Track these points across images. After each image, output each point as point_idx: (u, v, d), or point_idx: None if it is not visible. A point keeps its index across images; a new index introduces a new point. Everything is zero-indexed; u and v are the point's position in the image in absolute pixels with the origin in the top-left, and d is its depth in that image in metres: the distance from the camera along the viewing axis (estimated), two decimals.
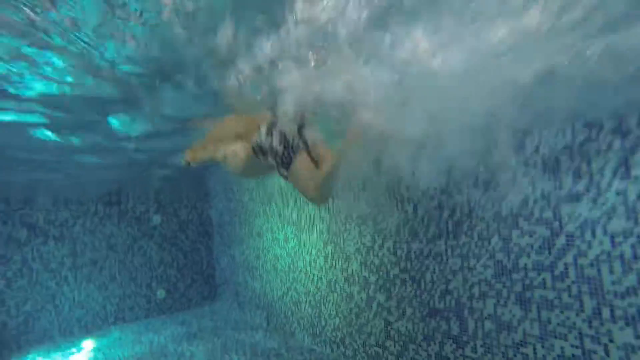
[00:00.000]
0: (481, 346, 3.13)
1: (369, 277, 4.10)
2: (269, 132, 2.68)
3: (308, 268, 4.93)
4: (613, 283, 2.45)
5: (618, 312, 2.43)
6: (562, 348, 2.67)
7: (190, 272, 7.32)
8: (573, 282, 2.62)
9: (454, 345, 3.33)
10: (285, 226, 5.32)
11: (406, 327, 3.73)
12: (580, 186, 2.57)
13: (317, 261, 4.78)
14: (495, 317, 3.04)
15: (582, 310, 2.57)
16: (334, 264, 4.54)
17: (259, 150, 2.65)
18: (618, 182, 2.42)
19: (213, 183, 7.31)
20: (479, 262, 3.15)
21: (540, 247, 2.77)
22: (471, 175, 3.16)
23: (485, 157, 3.05)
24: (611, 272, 2.45)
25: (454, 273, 3.32)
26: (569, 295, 2.63)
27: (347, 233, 4.34)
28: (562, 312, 2.67)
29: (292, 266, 5.22)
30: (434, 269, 3.47)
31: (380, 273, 3.97)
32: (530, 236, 2.82)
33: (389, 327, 3.91)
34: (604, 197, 2.47)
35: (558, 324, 2.69)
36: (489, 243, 3.07)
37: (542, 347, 2.76)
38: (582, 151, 2.56)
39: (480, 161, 3.10)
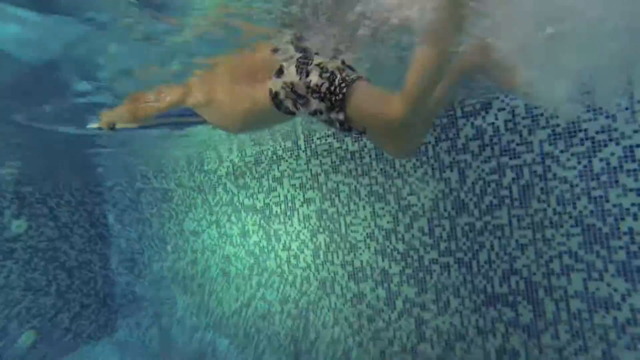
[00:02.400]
0: (566, 332, 2.62)
1: (390, 267, 3.27)
2: (301, 69, 1.76)
3: (285, 268, 3.84)
4: None
5: None
6: None
7: (77, 295, 5.35)
8: None
9: (525, 335, 2.75)
10: (244, 216, 4.10)
11: (451, 323, 3.03)
12: None
13: (301, 257, 3.73)
14: (587, 294, 2.55)
15: None
16: (329, 258, 3.56)
17: (289, 95, 1.77)
18: None
19: (110, 166, 5.37)
20: (558, 231, 2.62)
21: None
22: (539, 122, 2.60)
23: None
24: None
25: (523, 248, 2.73)
26: None
27: (352, 215, 3.42)
28: None
29: (256, 268, 4.04)
30: (492, 246, 2.84)
31: (408, 261, 3.18)
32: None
33: (423, 327, 3.15)
34: None
35: None
36: (574, 207, 2.55)
37: None
38: None
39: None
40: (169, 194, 4.71)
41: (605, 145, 2.46)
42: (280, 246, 3.86)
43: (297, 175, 3.71)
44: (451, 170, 2.96)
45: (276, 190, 3.85)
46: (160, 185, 4.79)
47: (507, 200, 2.77)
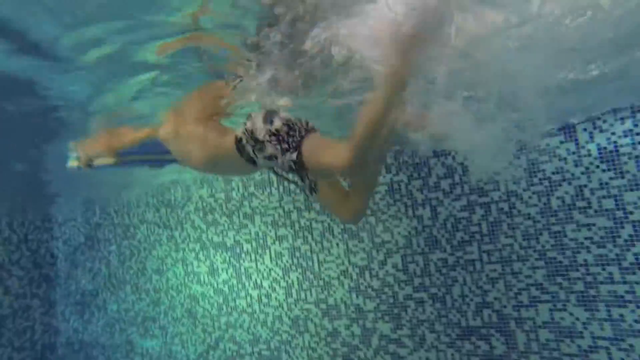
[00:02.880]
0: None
1: (364, 304, 3.29)
2: (267, 118, 1.91)
3: (256, 307, 3.75)
4: None
5: None
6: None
7: (6, 350, 4.83)
8: None
9: None
10: (212, 254, 3.98)
11: (427, 358, 3.07)
12: None
13: (273, 296, 3.66)
14: (553, 324, 2.71)
15: None
16: (302, 296, 3.53)
17: (249, 141, 1.89)
18: None
19: (61, 195, 5.01)
20: (525, 264, 2.78)
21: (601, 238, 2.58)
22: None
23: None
24: None
25: (493, 281, 2.87)
26: None
27: (326, 253, 3.43)
28: (638, 307, 2.51)
29: (224, 308, 3.91)
30: (465, 281, 2.96)
31: (383, 297, 3.22)
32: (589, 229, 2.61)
33: None
34: None
35: (635, 321, 2.51)
36: (538, 241, 2.74)
37: (619, 349, 2.54)
38: None
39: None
40: (131, 230, 4.50)
41: (560, 185, 2.69)
42: (251, 284, 3.77)
43: (269, 212, 3.69)
44: (424, 208, 3.09)
45: (247, 227, 3.80)
46: (122, 221, 4.56)
47: (477, 236, 2.92)
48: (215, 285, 3.95)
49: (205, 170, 2.47)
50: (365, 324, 3.29)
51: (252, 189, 3.77)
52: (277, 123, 1.86)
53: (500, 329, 2.85)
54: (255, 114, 1.95)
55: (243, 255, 3.81)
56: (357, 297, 3.32)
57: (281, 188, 3.63)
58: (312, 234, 3.49)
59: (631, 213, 2.49)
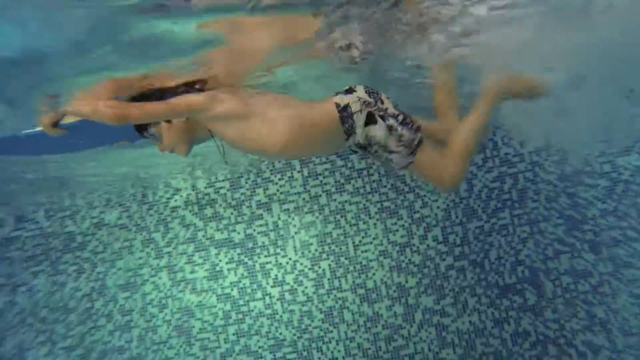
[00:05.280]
0: (562, 303, 3.24)
1: (407, 281, 3.30)
2: (371, 94, 1.78)
3: (277, 307, 3.33)
4: None
5: None
6: (632, 274, 3.21)
7: None
8: (634, 219, 3.23)
9: (532, 316, 3.25)
10: (213, 254, 3.36)
11: (470, 321, 3.27)
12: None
13: (299, 290, 3.32)
14: (572, 269, 3.24)
15: None
16: (336, 284, 3.31)
17: (365, 108, 1.73)
18: None
19: None
20: (548, 223, 3.27)
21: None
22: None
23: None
24: None
25: (524, 241, 3.27)
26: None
27: (362, 235, 3.31)
28: (626, 244, 3.22)
29: (233, 315, 3.34)
30: (499, 244, 3.28)
31: (425, 271, 3.29)
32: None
33: (443, 333, 3.28)
34: None
35: (625, 256, 3.22)
36: (557, 203, 3.26)
37: (616, 279, 3.21)
38: None
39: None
40: (79, 239, 3.42)
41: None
42: (270, 282, 3.34)
43: (290, 199, 3.35)
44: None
45: (262, 217, 3.36)
46: (63, 228, 3.42)
47: (509, 203, 3.28)
48: (219, 290, 3.35)
49: (281, 154, 1.81)
50: (407, 301, 3.29)
51: (267, 174, 3.36)
52: (389, 104, 1.75)
53: (532, 282, 3.26)
54: (355, 87, 1.78)
55: (257, 250, 3.35)
56: (398, 275, 3.30)
57: (305, 171, 3.35)
58: (345, 217, 3.32)
59: (622, 174, 3.21)
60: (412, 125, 1.74)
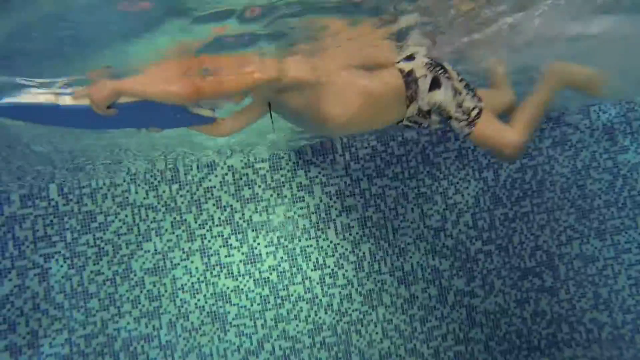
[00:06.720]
0: (573, 285, 3.57)
1: (440, 264, 3.45)
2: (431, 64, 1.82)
3: (317, 290, 3.31)
4: None
5: None
6: (629, 259, 3.64)
7: None
8: (630, 209, 3.68)
9: (549, 297, 3.54)
10: (251, 237, 3.27)
11: (496, 302, 3.49)
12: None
13: (340, 273, 3.34)
14: (582, 254, 3.60)
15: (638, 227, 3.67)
16: (376, 267, 3.37)
17: (431, 71, 1.77)
18: None
19: None
20: (562, 211, 3.61)
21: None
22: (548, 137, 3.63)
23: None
24: None
25: (542, 228, 3.58)
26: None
27: (400, 219, 3.42)
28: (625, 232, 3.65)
29: (271, 300, 3.26)
30: (521, 230, 3.55)
31: (457, 254, 3.47)
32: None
33: (473, 313, 3.46)
34: None
35: (625, 242, 3.65)
36: (570, 193, 3.63)
37: (617, 263, 3.62)
38: None
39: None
40: (97, 218, 3.15)
41: (581, 151, 3.65)
42: (311, 266, 3.32)
43: (332, 182, 3.38)
44: (487, 171, 3.55)
45: (303, 200, 3.34)
46: (81, 207, 3.12)
47: (529, 192, 3.59)
48: (257, 274, 3.26)
49: (343, 126, 1.72)
50: (441, 283, 3.44)
51: (309, 156, 3.37)
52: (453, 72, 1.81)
53: (549, 265, 3.57)
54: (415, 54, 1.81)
55: (298, 233, 3.32)
56: (433, 258, 3.44)
57: (347, 155, 3.40)
58: (385, 201, 3.41)
59: (621, 170, 3.66)
60: (475, 95, 1.79)
